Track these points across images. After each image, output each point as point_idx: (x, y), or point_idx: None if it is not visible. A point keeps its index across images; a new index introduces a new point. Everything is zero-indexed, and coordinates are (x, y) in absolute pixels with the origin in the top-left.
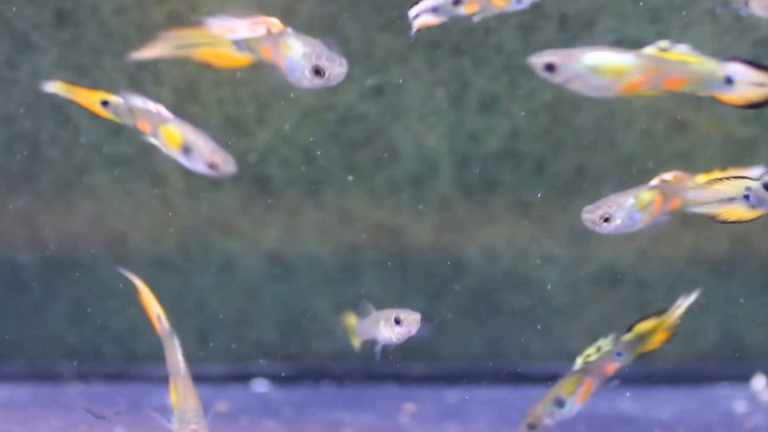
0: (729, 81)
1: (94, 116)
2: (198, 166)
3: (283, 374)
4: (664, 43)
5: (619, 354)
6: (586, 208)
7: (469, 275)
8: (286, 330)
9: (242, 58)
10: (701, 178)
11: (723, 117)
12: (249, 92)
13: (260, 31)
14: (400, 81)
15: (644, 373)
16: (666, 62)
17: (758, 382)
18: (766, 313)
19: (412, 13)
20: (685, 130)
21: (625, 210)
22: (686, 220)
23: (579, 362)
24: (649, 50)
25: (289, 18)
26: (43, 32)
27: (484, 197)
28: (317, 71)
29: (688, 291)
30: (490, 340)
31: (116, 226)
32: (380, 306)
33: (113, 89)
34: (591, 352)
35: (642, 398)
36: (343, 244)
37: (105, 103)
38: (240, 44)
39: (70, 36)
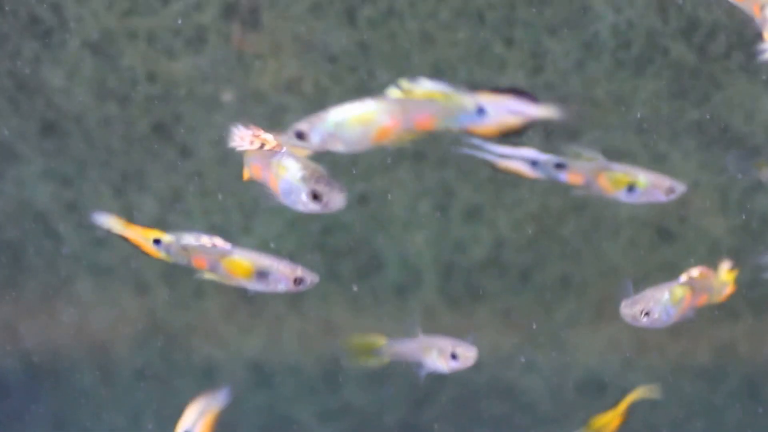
0: (481, 112)
1: (78, 226)
2: (279, 287)
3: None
4: (405, 84)
5: None
6: (625, 303)
7: (452, 384)
8: None
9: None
10: (726, 274)
11: (708, 227)
12: (234, 202)
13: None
14: (386, 191)
15: None
16: (412, 102)
17: None
18: (750, 422)
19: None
20: (671, 240)
21: (661, 305)
22: (672, 329)
23: None
24: (393, 92)
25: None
26: (28, 142)
27: (469, 306)
28: (315, 196)
29: (671, 400)
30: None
31: (99, 335)
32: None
33: (98, 199)
34: None
35: None
36: (325, 353)
37: (157, 242)
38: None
39: (54, 146)
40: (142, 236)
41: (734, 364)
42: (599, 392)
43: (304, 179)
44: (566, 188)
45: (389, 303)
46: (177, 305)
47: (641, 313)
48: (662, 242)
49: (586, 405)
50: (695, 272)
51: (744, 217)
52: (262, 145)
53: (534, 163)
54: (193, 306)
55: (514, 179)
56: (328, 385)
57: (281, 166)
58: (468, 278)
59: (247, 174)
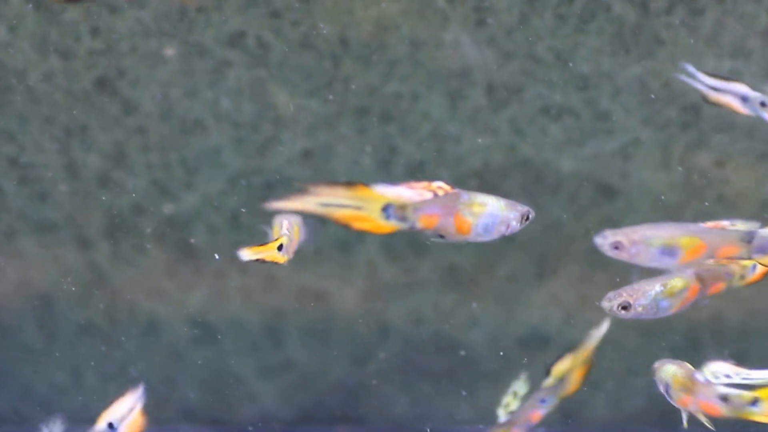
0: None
1: (21, 181)
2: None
3: None
4: None
5: (543, 401)
6: (608, 296)
7: (394, 340)
8: (209, 394)
9: (389, 226)
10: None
11: (650, 183)
12: (177, 157)
13: (425, 196)
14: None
15: None
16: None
17: None
18: None
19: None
20: (613, 196)
21: (649, 298)
22: (613, 285)
23: (501, 413)
24: None
25: (217, 84)
26: None
27: (412, 262)
28: (527, 217)
29: (614, 353)
30: (416, 404)
31: (41, 291)
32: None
33: (41, 155)
34: (509, 400)
35: None
36: (268, 308)
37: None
38: (390, 212)
39: None
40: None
41: (677, 318)
42: (542, 347)
43: (508, 207)
44: (509, 145)
45: (332, 258)
46: (119, 261)
47: (619, 306)
48: (604, 198)
49: (529, 360)
50: (710, 262)
51: (685, 174)
52: (435, 194)
53: (744, 99)
54: (136, 262)
55: (455, 136)
56: (271, 341)
57: (476, 204)
58: (411, 234)
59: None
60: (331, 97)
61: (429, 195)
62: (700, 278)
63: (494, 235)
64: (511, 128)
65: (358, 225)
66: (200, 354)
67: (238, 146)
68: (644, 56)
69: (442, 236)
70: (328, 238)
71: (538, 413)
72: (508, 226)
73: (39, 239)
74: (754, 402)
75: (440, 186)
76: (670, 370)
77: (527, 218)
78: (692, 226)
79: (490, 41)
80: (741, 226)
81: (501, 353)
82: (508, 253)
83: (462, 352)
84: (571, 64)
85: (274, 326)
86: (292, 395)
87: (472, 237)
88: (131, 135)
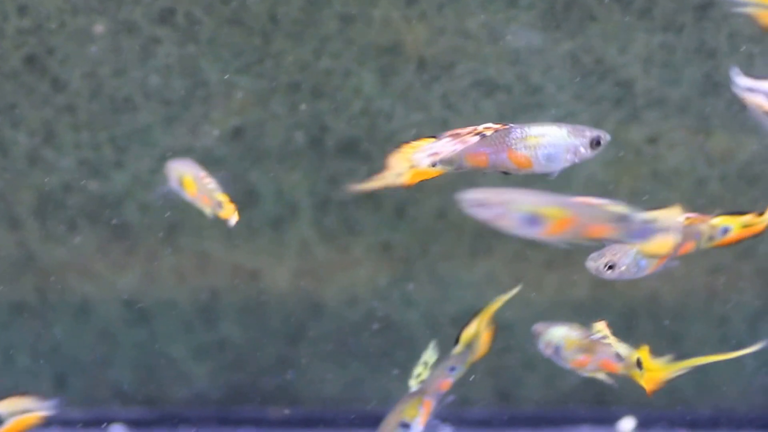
0: None
1: None
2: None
3: (140, 419)
4: None
5: (452, 369)
6: (592, 255)
7: (328, 319)
8: (142, 375)
9: (437, 171)
10: (718, 220)
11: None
12: (106, 136)
13: (469, 141)
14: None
15: (505, 416)
16: None
17: (626, 423)
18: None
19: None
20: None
21: (630, 257)
22: (548, 264)
23: (413, 383)
24: None
25: (146, 61)
26: None
27: (345, 240)
28: (597, 142)
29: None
30: (350, 384)
31: None
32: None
33: None
34: (420, 370)
35: None
36: (200, 288)
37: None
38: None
39: None
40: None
41: (612, 297)
42: None
43: (572, 134)
44: (441, 120)
45: (264, 237)
46: (49, 240)
47: (605, 266)
48: (536, 175)
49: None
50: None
51: (618, 150)
52: (480, 135)
53: None
54: (66, 241)
55: (387, 112)
56: (204, 321)
57: (530, 136)
58: (344, 212)
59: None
60: (262, 73)
61: (474, 138)
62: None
63: (564, 164)
64: (443, 104)
65: (417, 179)
66: (132, 335)
67: (168, 124)
68: (576, 32)
69: (506, 173)
70: (260, 215)
71: (447, 381)
72: (576, 154)
73: None
74: (638, 364)
75: (487, 126)
76: (559, 333)
77: (598, 143)
78: (566, 199)
79: (421, 17)
80: (618, 207)
81: (436, 332)
82: (442, 231)
83: (396, 332)
84: (502, 40)
85: (207, 306)
86: (225, 375)
87: (538, 169)
88: (60, 113)
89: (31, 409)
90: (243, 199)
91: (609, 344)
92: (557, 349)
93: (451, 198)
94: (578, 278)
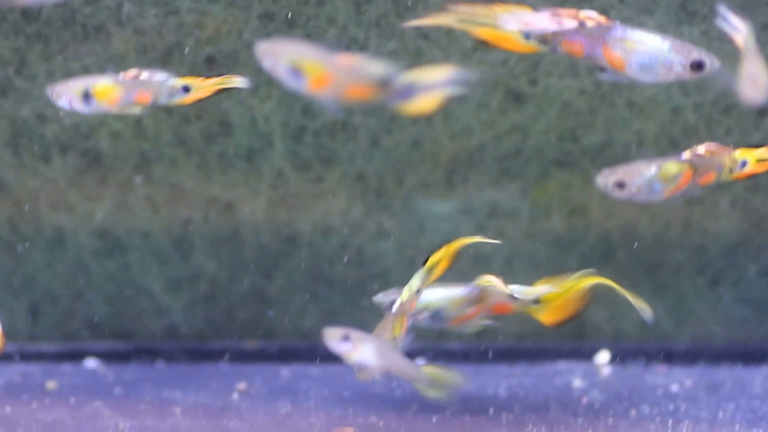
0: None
1: None
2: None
3: (113, 352)
4: None
5: (418, 291)
6: (603, 172)
7: (302, 250)
8: (117, 307)
9: (528, 47)
10: (738, 153)
11: (559, 89)
12: (79, 67)
13: (566, 25)
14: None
15: (481, 350)
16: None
17: (601, 356)
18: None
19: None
20: (522, 102)
21: (644, 179)
22: (523, 194)
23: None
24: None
25: None
26: None
27: (319, 171)
28: (699, 65)
29: (525, 265)
30: (324, 316)
31: None
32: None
33: None
34: (404, 294)
35: (478, 375)
36: (174, 219)
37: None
38: (530, 34)
39: None
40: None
41: (589, 229)
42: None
43: (675, 50)
44: (415, 50)
45: (238, 168)
46: (22, 170)
47: (615, 184)
48: (512, 104)
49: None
50: (701, 149)
51: (595, 80)
52: (582, 23)
53: None
54: (40, 171)
55: (362, 41)
56: (178, 253)
57: (630, 40)
58: (318, 142)
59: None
60: (235, 2)
61: (569, 22)
62: (694, 166)
63: (657, 78)
64: (418, 33)
65: (499, 44)
66: (106, 267)
67: (142, 53)
68: None
69: (602, 69)
70: (233, 146)
71: (414, 302)
72: (670, 70)
73: None
74: (536, 301)
75: (590, 16)
76: (435, 297)
77: (699, 66)
78: (330, 56)
79: None
80: (381, 66)
81: (410, 265)
82: (417, 160)
83: (370, 264)
84: None
85: (181, 238)
86: (200, 308)
87: (629, 73)
88: (32, 42)
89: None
90: (217, 129)
91: (499, 288)
92: (437, 313)
93: (426, 127)
94: (554, 208)
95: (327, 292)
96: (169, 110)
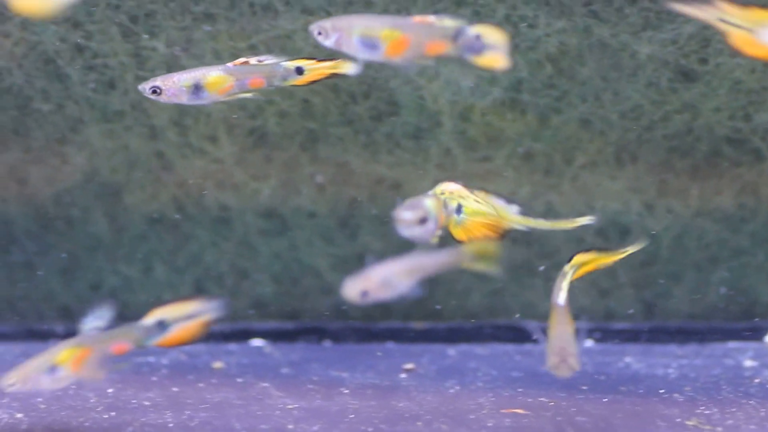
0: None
1: (86, 68)
2: None
3: (280, 332)
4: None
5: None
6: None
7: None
8: (283, 287)
9: None
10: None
11: (730, 67)
12: (246, 46)
13: None
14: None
15: (651, 329)
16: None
17: None
18: None
19: None
20: (692, 80)
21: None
22: (693, 174)
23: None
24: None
25: None
26: None
27: (486, 150)
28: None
29: (694, 244)
30: (491, 295)
31: (110, 181)
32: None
33: (107, 42)
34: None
35: (648, 355)
36: (341, 198)
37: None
38: None
39: None
40: None
41: (757, 205)
42: (622, 235)
43: None
44: (584, 28)
45: (406, 147)
46: (187, 151)
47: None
48: (682, 83)
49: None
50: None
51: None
52: None
53: None
54: (206, 151)
55: (531, 18)
56: (344, 232)
57: None
58: (485, 121)
59: None
60: None
61: None
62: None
63: None
64: (587, 11)
65: (751, 50)
66: (272, 245)
67: (308, 33)
68: None
69: None
70: (400, 125)
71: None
72: None
73: (106, 128)
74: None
75: None
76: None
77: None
78: (398, 20)
79: None
80: (449, 22)
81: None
82: (586, 141)
83: (539, 243)
84: None
85: (347, 217)
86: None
87: None
88: (199, 22)
89: (197, 313)
90: (384, 108)
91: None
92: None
93: (596, 106)
94: (725, 188)
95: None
96: (336, 89)
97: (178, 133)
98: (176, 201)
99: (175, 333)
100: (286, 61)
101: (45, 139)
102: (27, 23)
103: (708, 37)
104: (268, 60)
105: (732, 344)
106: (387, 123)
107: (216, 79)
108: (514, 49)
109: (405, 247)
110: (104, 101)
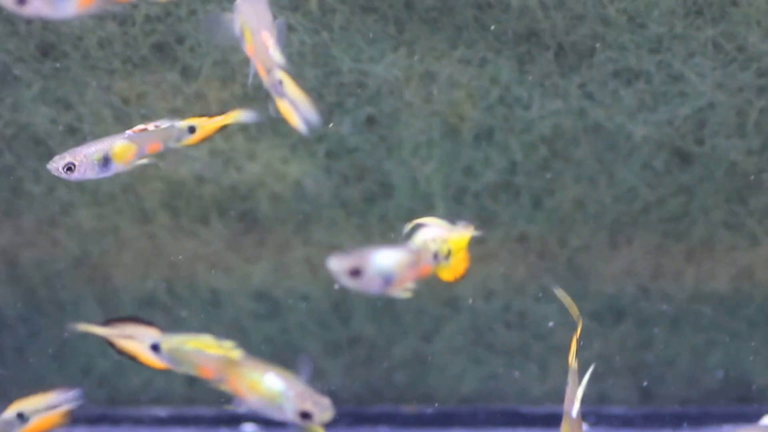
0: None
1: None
2: None
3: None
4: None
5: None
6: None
7: (464, 314)
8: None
9: None
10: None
11: (726, 148)
12: (237, 126)
13: None
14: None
15: (646, 415)
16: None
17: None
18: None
19: None
20: (689, 163)
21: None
22: (688, 256)
23: None
24: None
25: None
26: (26, 65)
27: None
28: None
29: (690, 328)
30: (485, 380)
31: (100, 266)
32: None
33: (98, 123)
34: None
35: None
36: (333, 281)
37: None
38: None
39: (53, 69)
40: None
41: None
42: (617, 319)
43: None
44: (579, 110)
45: (399, 229)
46: (180, 233)
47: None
48: (678, 165)
49: (603, 334)
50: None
51: (762, 139)
52: None
53: None
54: (197, 233)
55: (525, 101)
56: (337, 316)
57: None
58: (479, 203)
59: None
60: (396, 62)
61: None
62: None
63: None
64: (582, 93)
65: None
66: (264, 329)
67: None
68: (718, 18)
69: None
70: (394, 207)
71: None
72: None
73: (96, 212)
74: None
75: None
76: (387, 260)
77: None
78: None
79: (559, 4)
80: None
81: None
82: (580, 223)
83: (534, 326)
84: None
85: (340, 301)
86: (358, 371)
87: None
88: (191, 104)
89: (56, 405)
90: (376, 190)
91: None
92: (388, 277)
93: (590, 188)
94: (719, 271)
95: (487, 355)
96: (328, 171)
97: (169, 216)
98: (167, 283)
99: (35, 424)
100: (177, 122)
101: (36, 221)
102: (18, 105)
103: (704, 119)
104: (163, 123)
105: (727, 428)
106: (380, 205)
107: (122, 148)
108: (509, 131)
109: (395, 327)
110: (95, 184)
